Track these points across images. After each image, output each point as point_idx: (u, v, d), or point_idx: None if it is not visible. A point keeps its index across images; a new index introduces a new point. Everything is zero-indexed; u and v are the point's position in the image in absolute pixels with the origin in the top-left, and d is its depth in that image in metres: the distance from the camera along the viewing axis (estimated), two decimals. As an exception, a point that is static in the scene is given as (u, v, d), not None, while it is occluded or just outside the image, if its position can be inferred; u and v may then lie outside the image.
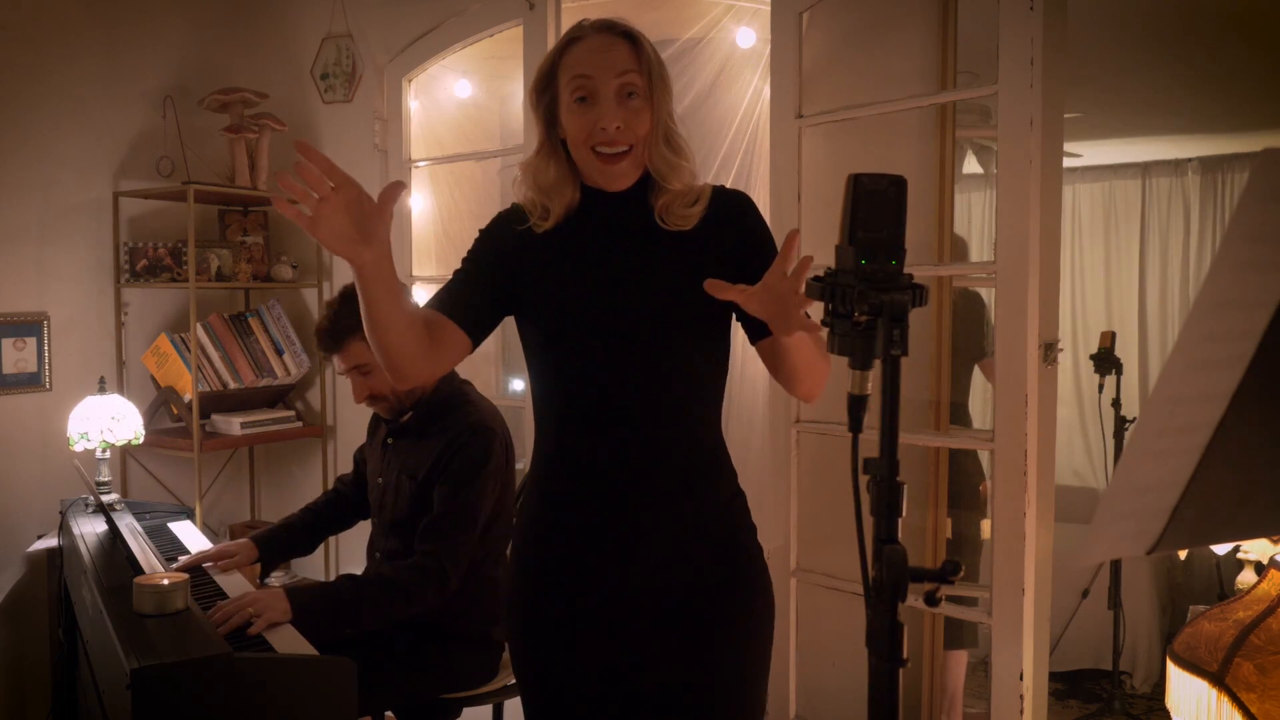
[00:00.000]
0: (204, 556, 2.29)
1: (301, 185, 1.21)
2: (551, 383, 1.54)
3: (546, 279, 1.52)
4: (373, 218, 1.25)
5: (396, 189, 1.25)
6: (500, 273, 1.54)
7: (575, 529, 1.52)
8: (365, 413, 2.54)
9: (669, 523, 1.50)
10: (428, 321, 1.47)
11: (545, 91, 1.51)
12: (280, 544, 2.43)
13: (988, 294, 3.08)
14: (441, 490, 2.20)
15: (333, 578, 3.62)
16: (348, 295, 2.29)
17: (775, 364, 1.47)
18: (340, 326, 2.27)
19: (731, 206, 1.54)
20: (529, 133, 3.02)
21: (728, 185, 3.15)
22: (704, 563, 1.51)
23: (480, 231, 1.60)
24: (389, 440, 2.37)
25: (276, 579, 3.55)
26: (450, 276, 1.57)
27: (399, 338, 1.39)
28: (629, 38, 1.47)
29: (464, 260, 1.58)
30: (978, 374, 3.09)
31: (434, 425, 2.28)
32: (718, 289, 1.28)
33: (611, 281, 1.49)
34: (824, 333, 1.45)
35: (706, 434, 1.54)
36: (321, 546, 3.59)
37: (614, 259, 1.50)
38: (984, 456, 2.98)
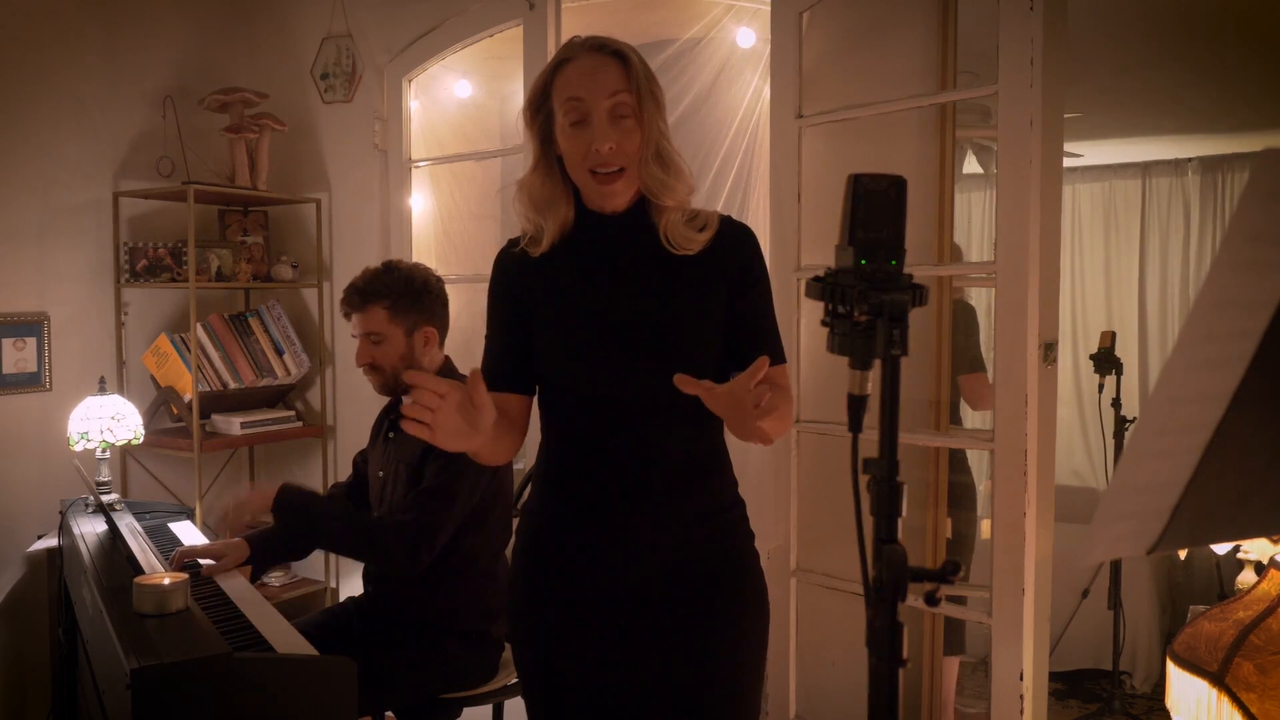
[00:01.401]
0: (196, 551, 2.28)
1: (419, 408, 1.31)
2: (554, 393, 1.58)
3: (550, 300, 1.55)
4: (478, 411, 1.34)
5: (476, 378, 1.34)
6: (519, 314, 1.58)
7: (575, 531, 1.55)
8: (366, 412, 2.55)
9: (667, 526, 1.52)
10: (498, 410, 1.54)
11: (539, 111, 1.53)
12: (273, 545, 2.42)
13: (983, 305, 3.08)
14: (431, 466, 2.22)
15: (331, 581, 3.63)
16: (389, 266, 2.35)
17: None
18: (372, 289, 2.31)
19: (737, 239, 1.57)
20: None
21: (727, 185, 3.15)
22: (700, 565, 1.53)
23: (489, 283, 1.64)
24: (390, 434, 2.39)
25: (276, 579, 3.55)
26: (486, 327, 1.64)
27: (498, 455, 1.57)
28: (619, 56, 1.49)
29: (488, 322, 1.63)
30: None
31: None
32: (686, 384, 1.33)
33: (613, 303, 1.51)
34: (779, 416, 1.47)
35: (706, 443, 1.57)
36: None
37: (615, 280, 1.53)
38: (976, 460, 2.98)
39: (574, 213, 1.55)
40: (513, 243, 1.62)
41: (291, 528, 2.19)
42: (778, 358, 1.55)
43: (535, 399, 1.62)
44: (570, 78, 1.48)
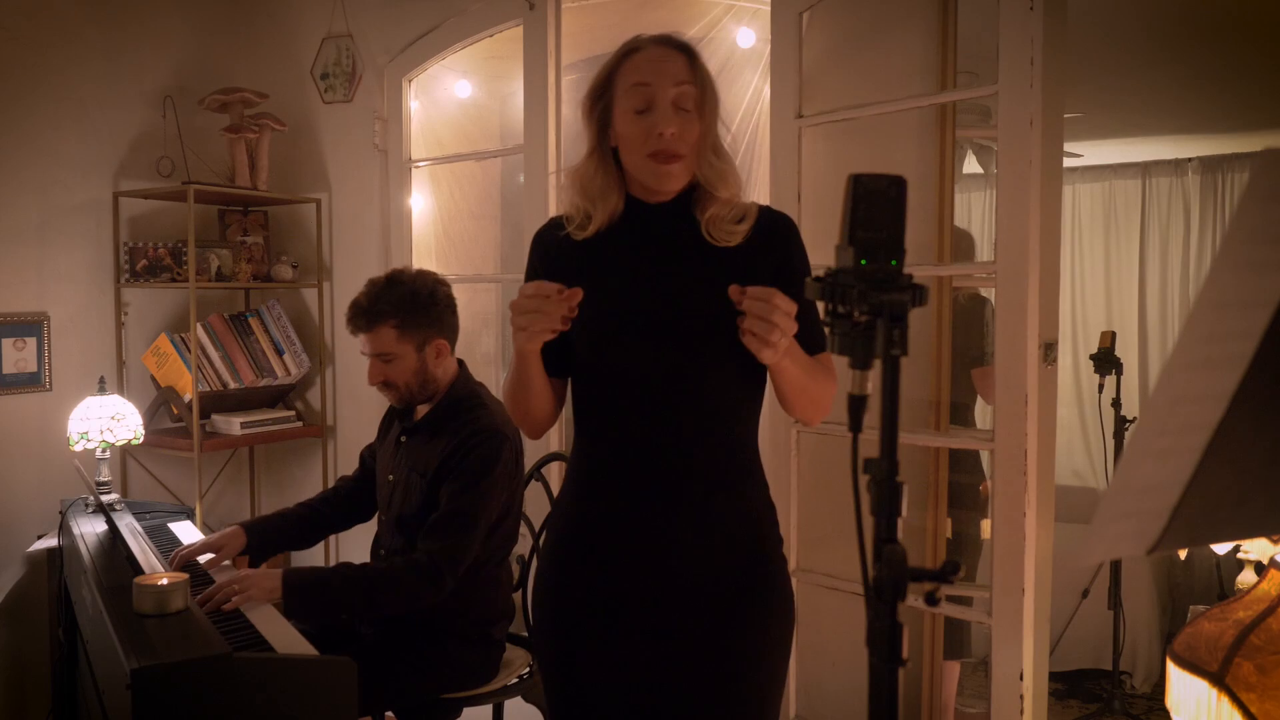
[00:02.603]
0: (194, 550, 2.27)
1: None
2: (591, 385, 1.57)
3: (588, 285, 1.54)
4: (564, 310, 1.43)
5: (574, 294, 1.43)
6: None
7: (608, 529, 1.55)
8: (366, 412, 2.55)
9: (700, 527, 1.52)
10: None
11: (600, 99, 1.56)
12: (270, 533, 2.41)
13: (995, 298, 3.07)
14: (448, 489, 2.21)
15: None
16: (392, 280, 2.30)
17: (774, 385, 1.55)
18: (377, 308, 2.26)
19: (778, 229, 1.58)
20: (529, 132, 3.02)
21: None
22: (732, 569, 1.53)
23: (528, 262, 1.65)
24: (402, 439, 2.38)
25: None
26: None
27: (543, 409, 1.59)
28: (686, 51, 1.53)
29: None
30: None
31: (447, 425, 2.30)
32: (735, 293, 1.36)
33: (653, 291, 1.52)
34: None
35: (742, 444, 1.57)
36: (323, 543, 3.60)
37: (657, 268, 1.54)
38: (988, 460, 2.98)
39: (624, 203, 1.57)
40: (555, 224, 1.62)
41: (308, 608, 2.07)
42: (819, 346, 1.56)
43: (569, 390, 1.62)
44: (638, 65, 1.52)
